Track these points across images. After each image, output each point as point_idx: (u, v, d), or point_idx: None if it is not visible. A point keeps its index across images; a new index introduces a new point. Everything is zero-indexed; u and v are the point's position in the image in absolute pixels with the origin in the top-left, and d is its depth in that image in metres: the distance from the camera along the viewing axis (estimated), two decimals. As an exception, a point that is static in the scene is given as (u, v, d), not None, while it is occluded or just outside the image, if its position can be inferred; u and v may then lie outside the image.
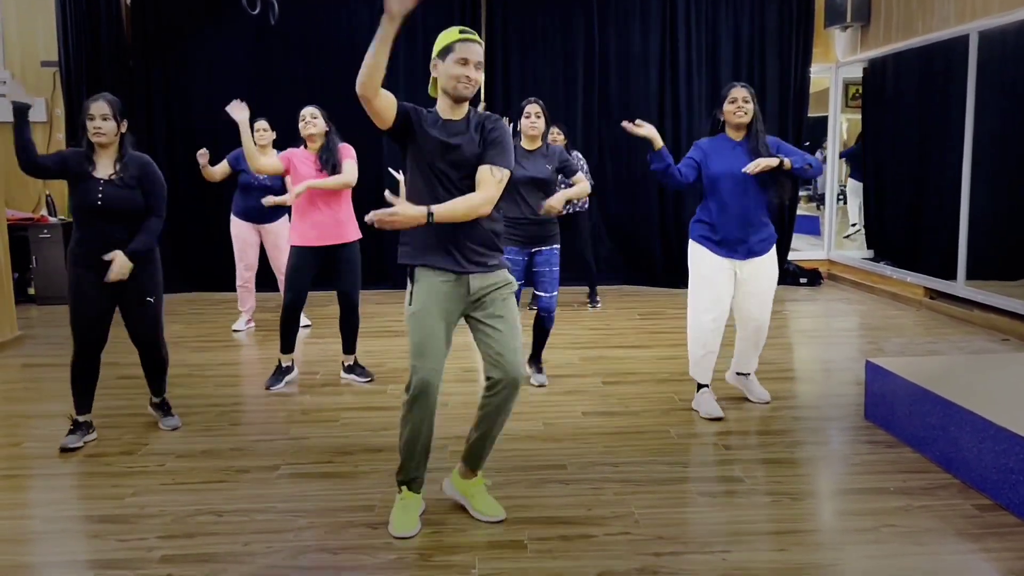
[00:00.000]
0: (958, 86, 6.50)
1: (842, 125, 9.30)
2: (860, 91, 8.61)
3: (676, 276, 8.04)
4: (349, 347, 4.83)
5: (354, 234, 4.65)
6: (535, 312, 4.60)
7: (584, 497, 3.12)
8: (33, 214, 7.53)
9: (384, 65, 2.61)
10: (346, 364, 4.86)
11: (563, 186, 4.64)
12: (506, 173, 2.76)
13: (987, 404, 3.21)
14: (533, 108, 4.41)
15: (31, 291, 7.37)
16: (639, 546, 2.73)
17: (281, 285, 6.08)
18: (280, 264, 6.01)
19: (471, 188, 2.73)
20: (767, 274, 4.01)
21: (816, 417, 4.05)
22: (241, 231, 6.01)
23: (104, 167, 3.61)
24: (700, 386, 4.15)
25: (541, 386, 4.58)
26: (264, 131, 5.79)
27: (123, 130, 3.65)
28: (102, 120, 3.55)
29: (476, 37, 2.81)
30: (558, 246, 4.52)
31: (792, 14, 7.98)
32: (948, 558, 2.65)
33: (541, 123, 4.41)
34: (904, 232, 7.77)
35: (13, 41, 7.64)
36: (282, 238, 5.95)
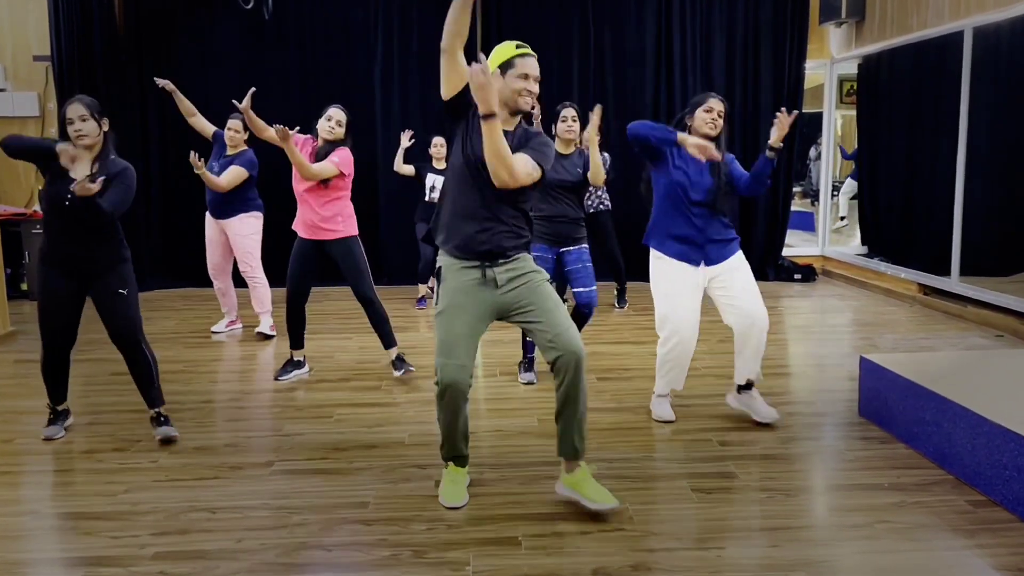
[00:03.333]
0: (953, 82, 6.50)
1: (837, 121, 9.30)
2: (855, 87, 8.61)
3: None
4: (385, 342, 4.76)
5: (344, 231, 4.64)
6: (573, 309, 4.40)
7: (578, 493, 3.12)
8: (25, 209, 7.49)
9: (466, 25, 2.78)
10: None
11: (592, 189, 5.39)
12: (537, 172, 2.85)
13: (981, 400, 3.21)
14: (569, 112, 4.41)
15: (24, 286, 7.34)
16: (633, 542, 2.73)
17: (248, 283, 5.86)
18: (239, 261, 5.79)
19: (505, 192, 2.82)
20: (741, 269, 3.79)
21: (810, 413, 4.05)
22: (209, 226, 5.81)
23: (82, 168, 3.45)
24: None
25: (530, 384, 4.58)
26: (236, 133, 5.64)
27: (105, 128, 3.54)
28: (81, 122, 3.45)
29: (532, 51, 2.91)
30: (586, 245, 4.51)
31: (787, 9, 7.98)
32: (942, 554, 2.66)
33: (577, 127, 4.42)
34: (898, 228, 7.78)
35: (5, 35, 7.60)
36: (238, 236, 5.73)
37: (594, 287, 4.44)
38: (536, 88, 2.90)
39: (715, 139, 3.72)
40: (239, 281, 5.91)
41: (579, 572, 2.56)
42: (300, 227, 4.66)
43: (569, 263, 4.44)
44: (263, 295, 5.84)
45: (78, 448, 3.66)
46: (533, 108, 3.04)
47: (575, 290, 4.46)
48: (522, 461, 3.45)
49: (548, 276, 3.07)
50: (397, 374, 4.69)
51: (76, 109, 3.45)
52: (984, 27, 6.20)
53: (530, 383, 4.58)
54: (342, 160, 4.57)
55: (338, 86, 7.71)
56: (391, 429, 3.86)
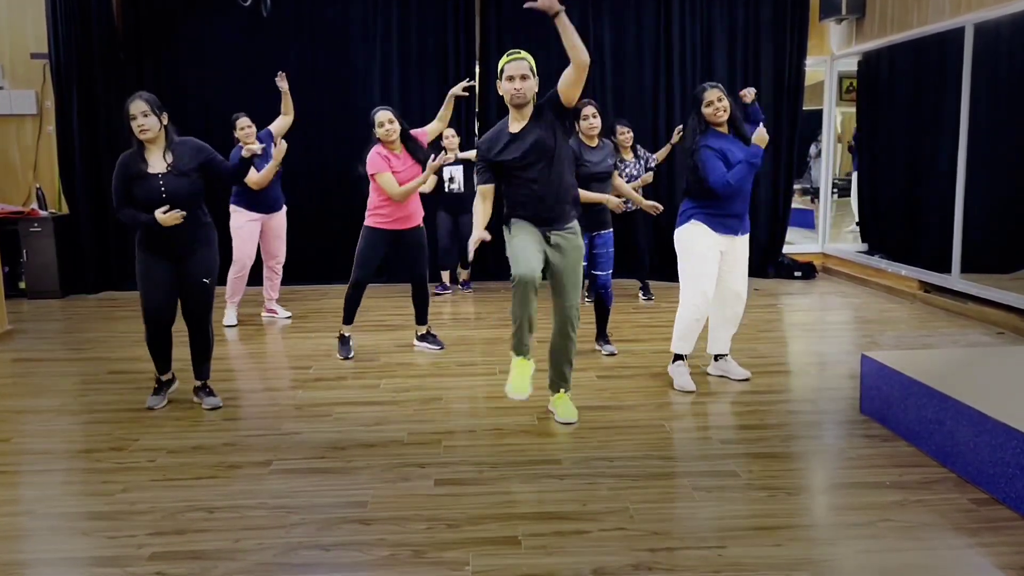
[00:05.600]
0: (953, 79, 6.48)
1: (837, 118, 9.28)
2: (855, 84, 8.59)
3: (670, 269, 8.00)
4: (420, 318, 5.29)
5: (417, 219, 5.09)
6: (594, 295, 5.19)
7: (579, 492, 3.10)
8: (23, 208, 7.47)
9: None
10: (418, 333, 5.32)
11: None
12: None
13: (983, 398, 3.20)
14: (590, 109, 4.83)
15: (22, 285, 7.32)
16: (634, 541, 2.72)
17: (269, 272, 6.23)
18: (273, 250, 6.16)
19: (546, 177, 3.60)
20: (746, 250, 4.40)
21: (811, 411, 4.03)
22: (249, 223, 5.95)
23: (156, 162, 3.81)
24: (678, 357, 4.44)
25: (611, 355, 5.07)
26: (248, 127, 5.76)
27: (165, 123, 3.83)
28: (143, 117, 3.73)
29: (520, 55, 3.58)
30: (611, 230, 5.06)
31: (787, 6, 7.95)
32: (944, 553, 2.64)
33: (598, 122, 4.84)
34: (899, 225, 7.77)
35: (3, 33, 7.57)
36: (283, 227, 6.16)
37: (610, 271, 5.08)
38: (521, 84, 3.53)
39: (730, 121, 4.23)
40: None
41: (579, 571, 2.54)
42: (379, 221, 5.00)
43: (596, 246, 5.02)
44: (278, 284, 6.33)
45: (76, 447, 3.65)
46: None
47: (594, 272, 5.06)
48: (521, 460, 3.43)
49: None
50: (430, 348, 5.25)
51: (138, 106, 3.74)
52: (985, 23, 6.18)
53: (611, 354, 5.11)
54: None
55: (337, 85, 7.69)
56: (390, 428, 3.84)
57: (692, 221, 4.26)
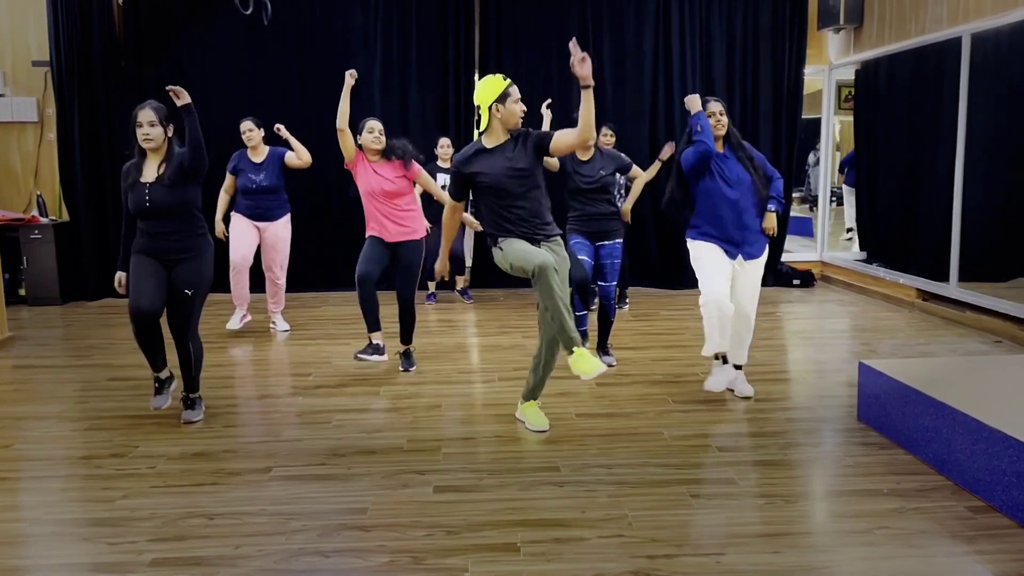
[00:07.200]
0: (951, 88, 6.51)
1: (835, 127, 9.31)
2: (853, 93, 8.63)
3: (672, 276, 8.04)
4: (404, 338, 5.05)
5: (414, 234, 4.98)
6: (598, 305, 5.15)
7: (578, 499, 3.12)
8: (24, 215, 7.48)
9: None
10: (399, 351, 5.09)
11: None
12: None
13: (980, 406, 3.21)
14: None
15: (22, 292, 7.33)
16: (633, 548, 2.73)
17: (270, 285, 6.09)
18: (272, 263, 5.99)
19: (530, 195, 3.59)
20: (757, 271, 4.31)
21: (809, 419, 4.05)
22: (242, 224, 5.89)
23: (150, 171, 3.86)
24: (716, 357, 4.33)
25: (610, 366, 4.93)
26: (250, 131, 5.79)
27: (170, 134, 3.88)
28: (150, 127, 3.79)
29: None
30: (620, 240, 5.02)
31: (785, 15, 7.99)
32: (941, 560, 2.65)
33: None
34: (897, 234, 7.79)
35: (4, 40, 7.60)
36: (280, 239, 5.97)
37: (614, 283, 4.98)
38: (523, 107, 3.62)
39: (726, 137, 4.18)
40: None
41: (578, 578, 2.55)
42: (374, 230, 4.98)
43: (601, 257, 4.97)
44: (283, 295, 6.17)
45: (76, 454, 3.66)
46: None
47: (599, 283, 4.99)
48: (521, 467, 3.44)
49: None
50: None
51: (146, 115, 3.81)
52: (982, 33, 6.21)
53: (610, 365, 4.97)
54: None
55: (337, 92, 7.68)
56: (390, 435, 3.85)
57: (688, 239, 4.27)
